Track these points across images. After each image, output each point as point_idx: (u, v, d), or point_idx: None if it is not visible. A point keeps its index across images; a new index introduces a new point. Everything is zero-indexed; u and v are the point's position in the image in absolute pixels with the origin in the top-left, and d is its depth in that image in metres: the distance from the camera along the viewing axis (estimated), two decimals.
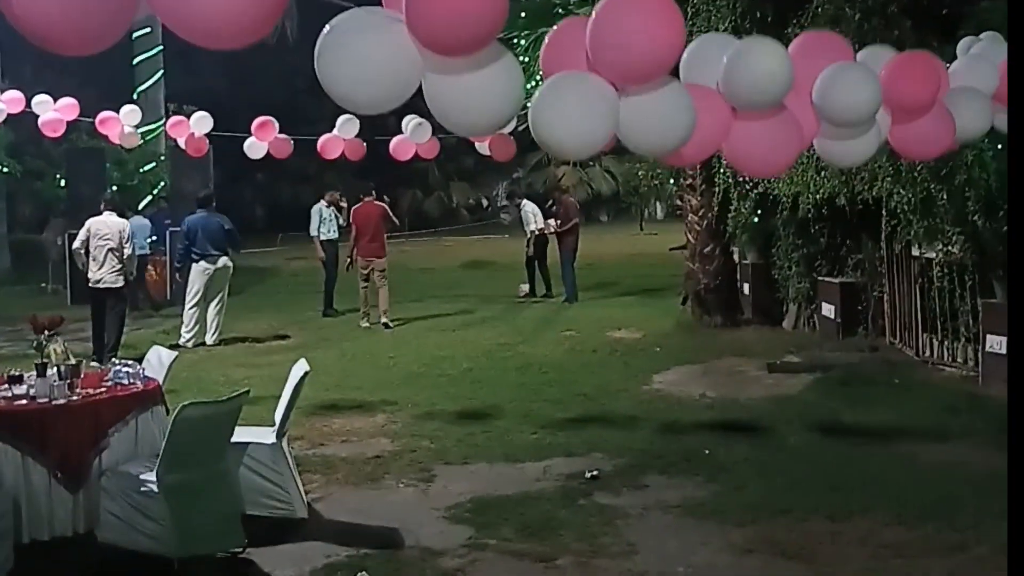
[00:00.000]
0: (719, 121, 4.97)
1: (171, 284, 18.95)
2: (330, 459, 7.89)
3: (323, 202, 17.20)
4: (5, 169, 24.25)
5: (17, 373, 6.24)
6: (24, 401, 5.81)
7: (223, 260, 13.78)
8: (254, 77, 43.78)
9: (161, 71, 25.49)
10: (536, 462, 7.73)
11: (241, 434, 6.14)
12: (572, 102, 4.50)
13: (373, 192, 16.38)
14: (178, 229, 15.51)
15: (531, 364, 11.99)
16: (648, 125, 4.62)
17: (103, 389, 6.09)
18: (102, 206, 11.90)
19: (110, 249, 11.81)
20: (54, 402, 5.76)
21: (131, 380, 6.28)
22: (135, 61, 25.34)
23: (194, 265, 13.70)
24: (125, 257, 11.92)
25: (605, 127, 4.53)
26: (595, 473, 7.33)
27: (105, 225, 11.85)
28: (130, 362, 6.53)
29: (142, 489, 5.51)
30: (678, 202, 16.26)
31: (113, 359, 6.48)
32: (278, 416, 6.56)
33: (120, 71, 25.73)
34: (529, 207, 18.92)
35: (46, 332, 6.20)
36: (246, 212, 43.46)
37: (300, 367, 6.64)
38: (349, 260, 16.29)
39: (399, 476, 7.42)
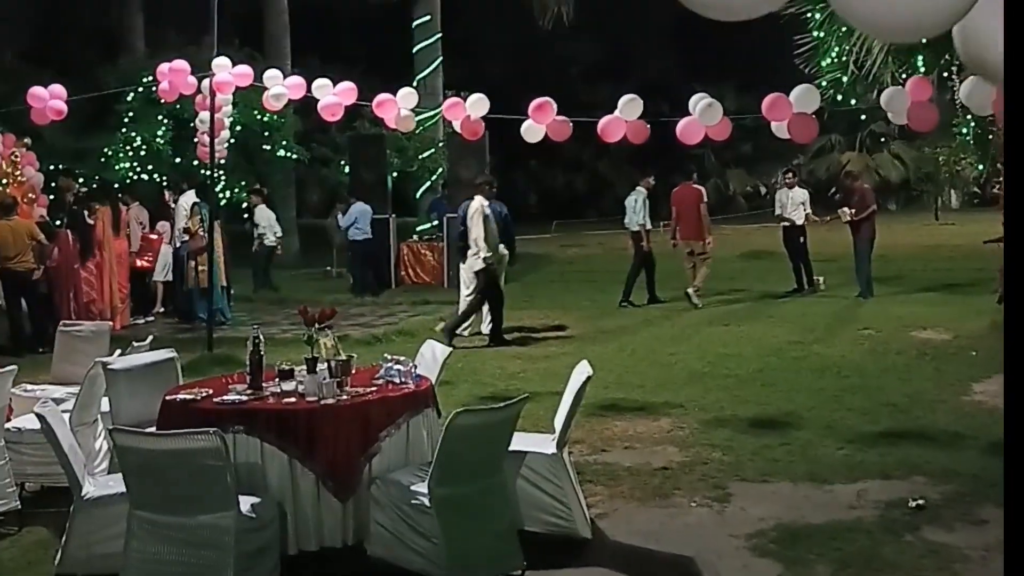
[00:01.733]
0: None
1: (448, 272, 18.91)
2: (613, 468, 7.18)
3: (641, 189, 16.30)
4: (294, 156, 25.07)
5: (287, 367, 5.88)
6: (293, 400, 5.40)
7: (500, 248, 13.35)
8: (530, 64, 43.87)
9: (440, 58, 25.70)
10: (847, 484, 6.74)
11: (518, 442, 5.53)
12: None
13: (694, 175, 16.21)
14: (456, 215, 15.30)
15: (828, 366, 10.87)
16: None
17: (373, 388, 5.62)
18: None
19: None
20: (323, 402, 5.32)
21: (403, 379, 5.78)
22: (415, 49, 25.66)
23: (470, 252, 13.35)
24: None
25: None
26: (920, 502, 6.28)
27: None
28: (402, 359, 6.04)
29: (413, 501, 4.98)
30: (977, 189, 14.57)
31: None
32: (558, 423, 5.90)
33: (401, 59, 26.16)
34: (790, 193, 17.43)
35: (317, 325, 5.79)
36: (519, 199, 43.67)
37: (582, 370, 5.95)
38: (673, 241, 16.49)
39: (690, 493, 6.61)
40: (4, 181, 16.44)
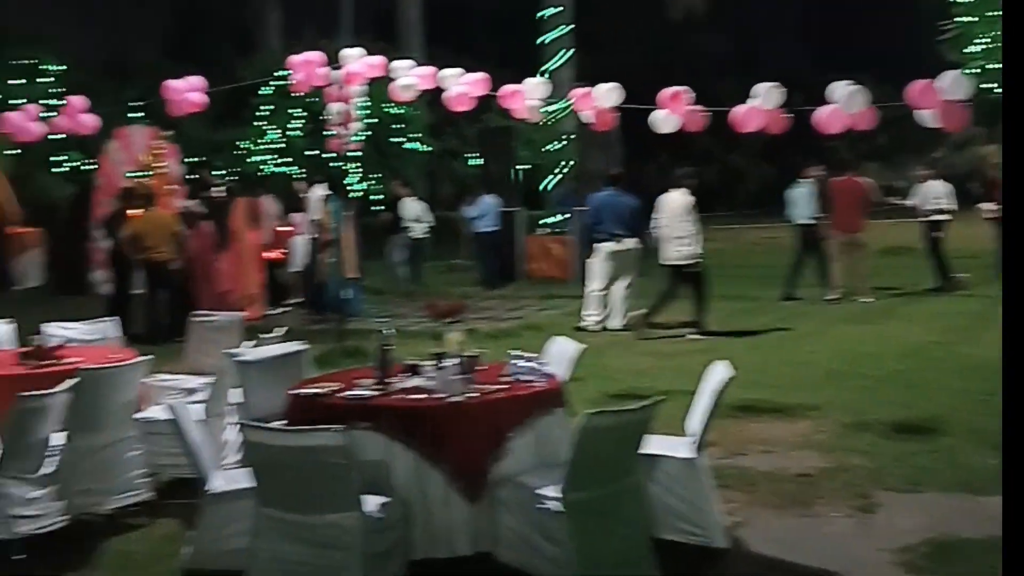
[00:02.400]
0: None
1: (576, 265, 18.73)
2: (749, 473, 6.89)
3: (808, 181, 15.82)
4: (424, 148, 25.16)
5: (413, 362, 5.77)
6: (420, 396, 5.27)
7: (630, 242, 13.11)
8: (660, 57, 43.35)
9: (570, 50, 25.44)
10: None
11: (652, 445, 5.30)
12: None
13: (855, 167, 15.81)
14: (586, 208, 15.10)
15: (972, 367, 10.31)
16: None
17: (502, 386, 5.46)
18: None
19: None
20: (451, 399, 5.18)
21: (532, 376, 5.61)
22: (544, 40, 25.46)
23: (599, 247, 13.14)
24: None
25: None
26: None
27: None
28: (530, 355, 5.86)
29: (543, 506, 4.80)
30: None
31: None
32: (694, 426, 5.65)
33: (533, 52, 26.00)
34: (929, 186, 16.66)
35: (445, 320, 5.66)
36: (649, 192, 43.10)
37: (720, 370, 5.69)
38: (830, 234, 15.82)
39: (832, 502, 6.28)
40: (147, 173, 16.92)
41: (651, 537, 5.10)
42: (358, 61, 11.28)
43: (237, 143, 23.61)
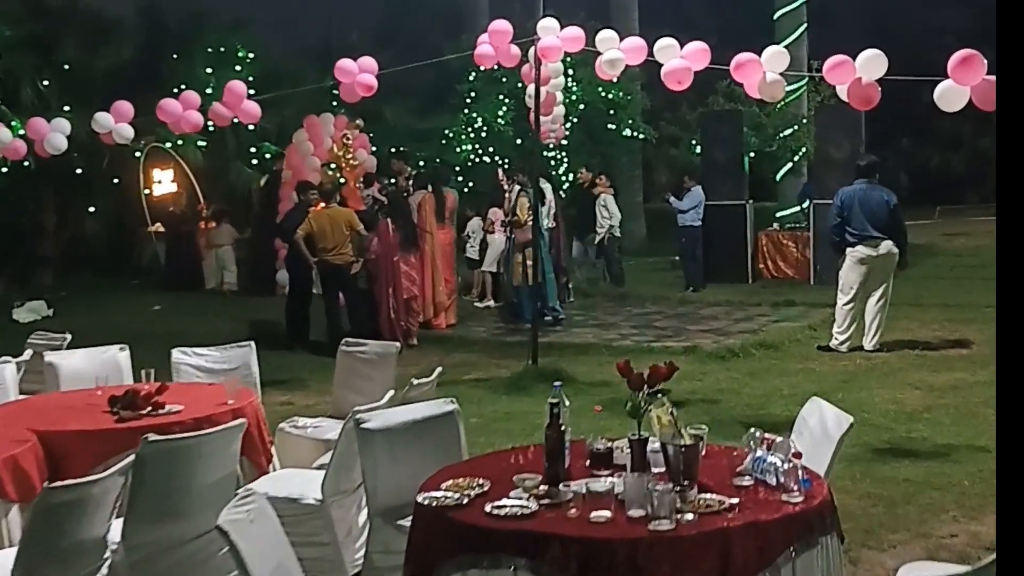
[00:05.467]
0: None
1: (815, 266, 16.36)
2: None
3: None
4: (641, 136, 23.20)
5: (605, 446, 3.87)
6: (606, 515, 3.36)
7: (886, 245, 10.74)
8: (899, 35, 39.71)
9: (804, 25, 22.92)
10: None
11: None
12: None
13: None
14: (826, 202, 12.79)
15: None
16: None
17: (736, 501, 3.47)
18: None
19: None
20: (654, 525, 3.26)
21: (783, 480, 3.60)
22: (776, 15, 23.05)
23: (849, 250, 10.83)
24: None
25: None
26: None
27: None
28: (778, 440, 3.85)
29: None
30: None
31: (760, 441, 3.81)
32: None
33: (759, 26, 23.61)
34: None
35: (645, 389, 3.74)
36: (889, 180, 39.61)
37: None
38: None
39: None
40: (336, 165, 15.68)
41: None
42: (553, 33, 9.41)
43: (444, 131, 22.33)
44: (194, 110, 10.17)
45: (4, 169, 13.64)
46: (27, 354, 7.25)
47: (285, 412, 9.09)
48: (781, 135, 21.63)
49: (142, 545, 4.28)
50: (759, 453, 3.76)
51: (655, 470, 3.73)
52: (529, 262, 12.02)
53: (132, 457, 4.17)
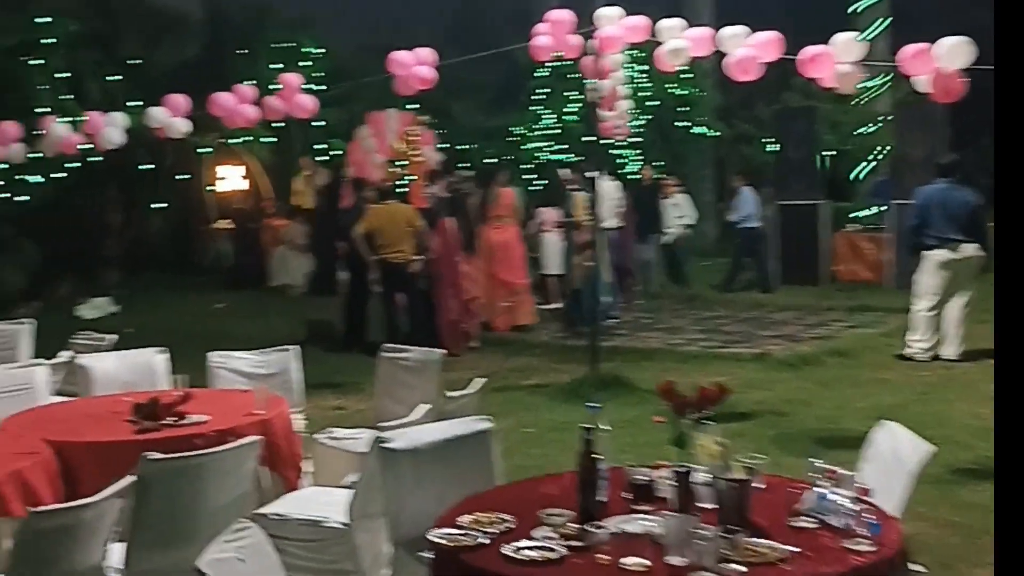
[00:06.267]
0: None
1: (894, 269, 15.69)
2: None
3: None
4: (713, 133, 22.61)
5: (645, 478, 3.46)
6: (644, 565, 2.94)
7: (969, 248, 10.12)
8: (980, 23, 38.47)
9: (886, 20, 22.13)
10: None
11: None
12: None
13: None
14: (906, 202, 12.17)
15: None
16: None
17: (794, 549, 3.03)
18: None
19: None
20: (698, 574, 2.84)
21: (847, 523, 3.16)
22: (857, 8, 22.31)
23: (928, 253, 10.23)
24: None
25: None
26: None
27: None
28: (842, 472, 3.40)
29: None
30: None
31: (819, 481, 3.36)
32: None
33: (835, 18, 22.87)
34: None
35: (692, 414, 3.32)
36: (972, 180, 38.33)
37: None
38: None
39: None
40: (399, 162, 15.39)
41: None
42: (614, 23, 8.96)
43: (513, 129, 21.96)
44: (248, 104, 9.93)
45: (69, 165, 13.58)
46: (66, 354, 7.02)
47: (335, 417, 8.81)
48: (859, 132, 20.94)
49: (146, 573, 3.97)
50: (822, 490, 3.32)
51: (703, 506, 3.32)
52: (588, 263, 11.58)
53: (132, 478, 3.85)
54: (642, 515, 3.30)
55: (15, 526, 4.33)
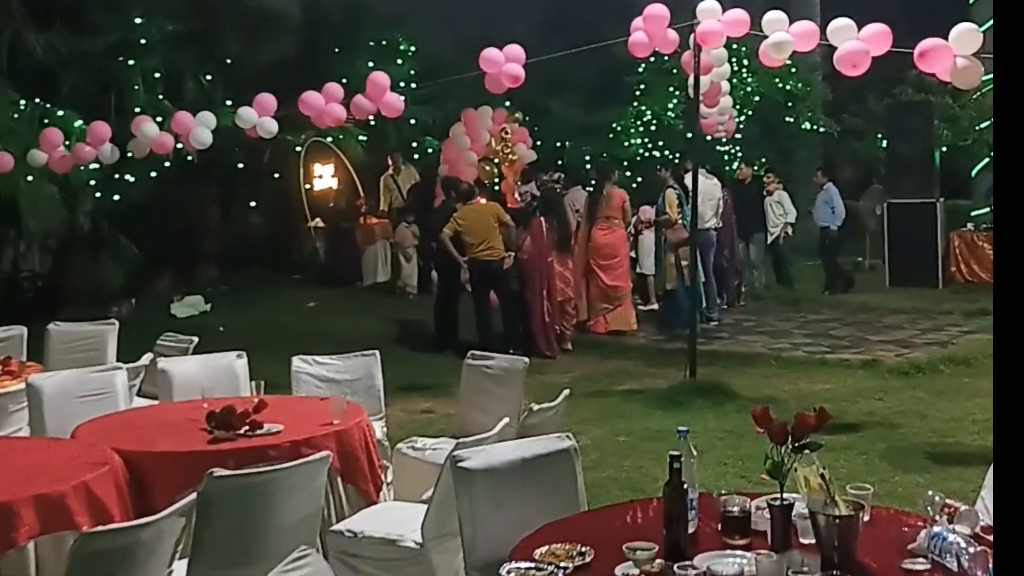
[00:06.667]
0: None
1: None
2: None
3: None
4: (822, 129, 21.91)
5: (740, 509, 3.12)
6: None
7: None
8: None
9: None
10: None
11: None
12: None
13: None
14: None
15: None
16: None
17: None
18: None
19: None
20: None
21: (966, 566, 2.79)
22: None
23: None
24: None
25: None
26: None
27: None
28: (960, 507, 3.03)
29: None
30: None
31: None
32: None
33: (950, 8, 21.95)
34: None
35: (791, 443, 2.98)
36: None
37: None
38: None
39: None
40: (494, 159, 15.18)
41: None
42: (714, 17, 8.58)
43: (612, 125, 21.57)
44: (336, 103, 9.80)
45: (167, 164, 13.65)
46: (146, 358, 6.92)
47: (423, 421, 8.61)
48: (978, 128, 20.03)
49: None
50: (937, 528, 2.95)
51: (804, 541, 2.99)
52: (684, 262, 11.18)
53: (194, 495, 3.65)
54: (734, 552, 2.97)
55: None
